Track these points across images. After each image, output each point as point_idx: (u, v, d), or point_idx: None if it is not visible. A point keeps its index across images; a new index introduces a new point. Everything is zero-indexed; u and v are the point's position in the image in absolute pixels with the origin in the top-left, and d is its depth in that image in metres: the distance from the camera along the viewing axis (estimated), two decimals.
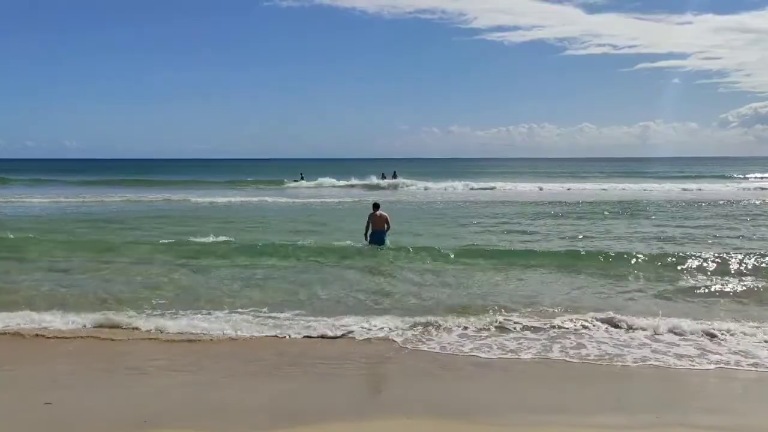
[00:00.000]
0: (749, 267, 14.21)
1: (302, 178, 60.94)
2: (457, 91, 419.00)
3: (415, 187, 51.95)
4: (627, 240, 19.41)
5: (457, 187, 51.20)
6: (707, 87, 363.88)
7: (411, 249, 16.43)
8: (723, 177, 68.35)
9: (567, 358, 8.42)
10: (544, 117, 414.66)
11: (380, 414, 6.62)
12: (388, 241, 17.01)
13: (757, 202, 34.61)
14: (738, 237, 20.01)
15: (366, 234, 17.06)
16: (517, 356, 8.53)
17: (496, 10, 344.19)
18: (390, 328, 9.64)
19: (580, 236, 20.08)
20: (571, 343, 8.98)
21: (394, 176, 59.24)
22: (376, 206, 17.35)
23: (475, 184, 52.66)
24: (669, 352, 8.63)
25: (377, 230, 16.98)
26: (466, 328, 9.69)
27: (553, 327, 9.71)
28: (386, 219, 17.13)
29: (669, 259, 14.98)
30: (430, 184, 52.65)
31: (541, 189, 49.25)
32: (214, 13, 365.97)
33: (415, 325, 9.76)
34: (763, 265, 14.32)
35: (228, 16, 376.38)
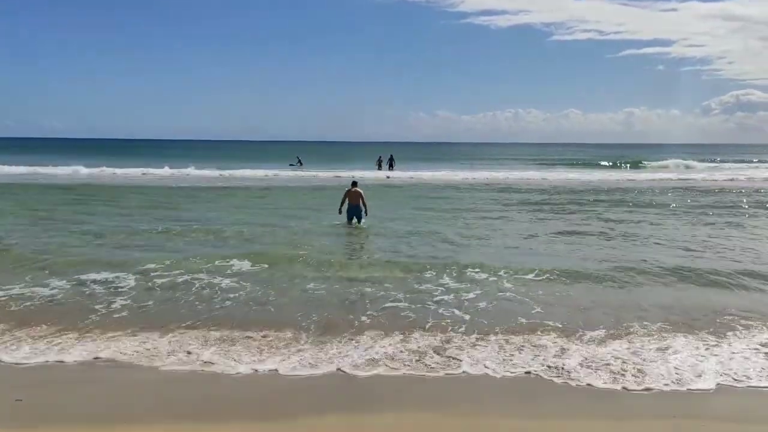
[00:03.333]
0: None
1: (300, 163, 59.08)
2: (445, 76, 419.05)
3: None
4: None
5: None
6: (691, 74, 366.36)
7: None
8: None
9: None
10: (530, 102, 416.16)
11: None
12: (364, 221, 18.70)
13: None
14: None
15: (341, 207, 18.96)
16: None
17: None
18: None
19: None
20: None
21: (391, 164, 53.92)
22: (354, 183, 19.45)
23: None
24: None
25: (353, 205, 18.87)
26: None
27: None
28: (361, 195, 18.88)
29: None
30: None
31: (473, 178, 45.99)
32: None
33: None
34: None
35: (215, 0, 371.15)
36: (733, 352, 8.36)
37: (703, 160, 78.35)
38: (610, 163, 70.26)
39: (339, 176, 43.00)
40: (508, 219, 21.53)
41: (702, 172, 54.09)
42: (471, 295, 11.08)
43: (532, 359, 7.96)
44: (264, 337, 8.76)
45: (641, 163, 71.53)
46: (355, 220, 18.72)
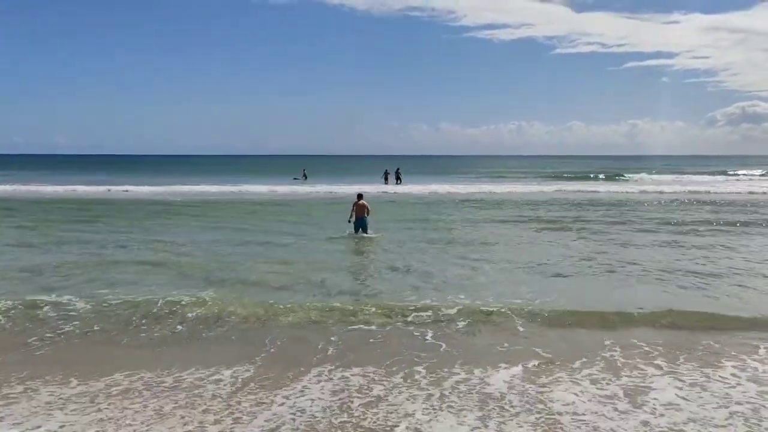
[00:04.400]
0: None
1: (304, 177, 57.76)
2: (447, 89, 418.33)
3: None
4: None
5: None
6: (695, 86, 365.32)
7: None
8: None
9: None
10: (534, 115, 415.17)
11: None
12: (370, 231, 19.42)
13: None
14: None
15: (350, 219, 19.59)
16: None
17: (485, 8, 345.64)
18: None
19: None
20: None
21: (398, 177, 51.98)
22: (359, 196, 20.06)
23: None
24: None
25: (359, 217, 19.52)
26: None
27: None
28: (366, 207, 19.67)
29: None
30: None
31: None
32: (204, 8, 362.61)
33: None
34: None
35: (217, 12, 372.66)
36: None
37: (707, 173, 77.51)
38: (626, 176, 68.40)
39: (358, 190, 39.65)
40: (507, 238, 19.85)
41: (703, 185, 51.91)
42: (453, 314, 10.24)
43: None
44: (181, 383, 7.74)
45: (622, 176, 70.52)
46: (361, 230, 19.43)
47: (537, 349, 8.59)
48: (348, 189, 42.23)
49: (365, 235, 19.20)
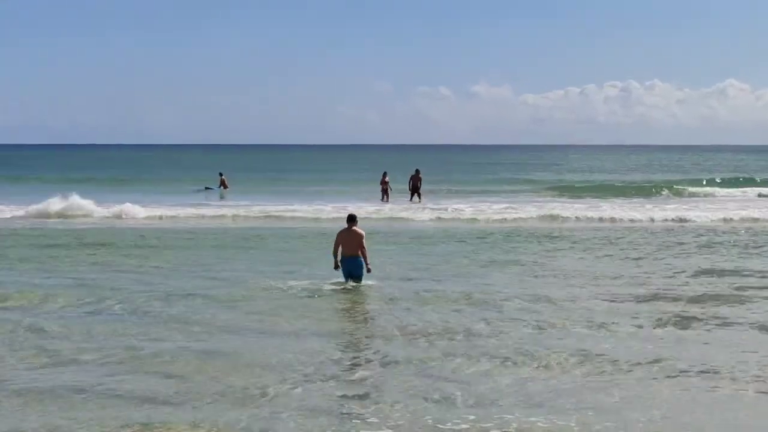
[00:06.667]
0: None
1: (223, 185, 39.98)
2: (489, 27, 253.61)
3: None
4: None
5: None
6: None
7: None
8: None
9: None
10: (654, 69, 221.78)
11: None
12: (366, 279, 13.39)
13: None
14: None
15: (336, 258, 13.43)
16: None
17: None
18: None
19: None
20: None
21: (416, 186, 32.68)
22: (351, 219, 13.74)
23: None
24: None
25: (350, 256, 13.36)
26: None
27: None
28: (361, 239, 13.39)
29: None
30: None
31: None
32: None
33: None
34: None
35: None
36: None
37: None
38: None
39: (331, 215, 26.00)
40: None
41: None
42: None
43: None
44: None
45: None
46: (350, 279, 13.33)
47: None
48: (298, 209, 27.83)
49: (357, 283, 13.26)
